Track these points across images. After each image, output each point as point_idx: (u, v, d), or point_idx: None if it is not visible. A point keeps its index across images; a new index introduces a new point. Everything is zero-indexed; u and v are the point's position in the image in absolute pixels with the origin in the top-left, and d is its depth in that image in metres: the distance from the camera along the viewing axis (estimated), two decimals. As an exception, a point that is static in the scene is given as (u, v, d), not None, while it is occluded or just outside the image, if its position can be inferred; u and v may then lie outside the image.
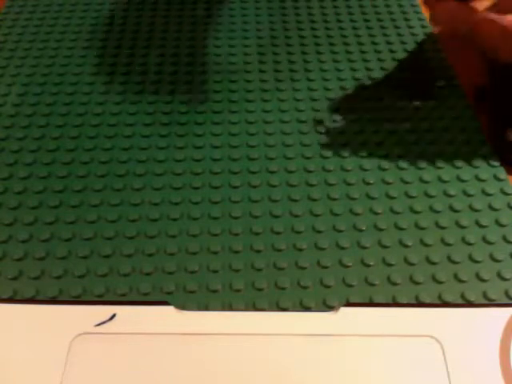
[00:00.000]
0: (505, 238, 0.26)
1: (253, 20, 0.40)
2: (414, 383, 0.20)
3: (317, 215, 0.27)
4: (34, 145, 0.30)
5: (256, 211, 0.27)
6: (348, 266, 0.25)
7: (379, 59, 0.36)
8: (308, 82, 0.34)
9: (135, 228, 0.26)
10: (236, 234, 0.26)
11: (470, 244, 0.25)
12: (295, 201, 0.27)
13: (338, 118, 0.32)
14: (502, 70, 0.32)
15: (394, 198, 0.27)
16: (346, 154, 0.30)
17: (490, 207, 0.27)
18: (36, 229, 0.26)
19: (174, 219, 0.26)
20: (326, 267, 0.25)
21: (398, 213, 0.27)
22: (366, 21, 0.40)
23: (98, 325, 0.21)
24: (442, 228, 0.26)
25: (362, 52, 0.37)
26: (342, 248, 0.25)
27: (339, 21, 0.40)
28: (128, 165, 0.29)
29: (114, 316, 0.21)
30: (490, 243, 0.25)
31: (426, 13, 0.40)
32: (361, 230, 0.26)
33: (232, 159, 0.30)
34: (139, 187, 0.28)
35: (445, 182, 0.28)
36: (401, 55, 0.36)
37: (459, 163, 0.29)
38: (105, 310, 0.21)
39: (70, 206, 0.27)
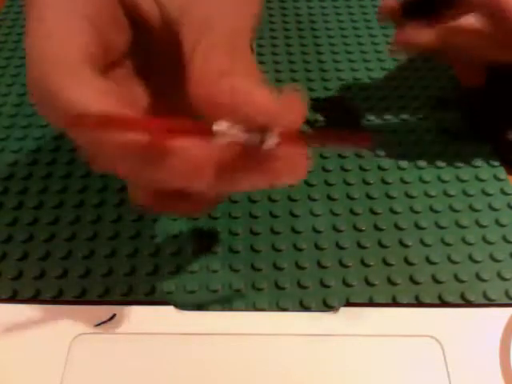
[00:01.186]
0: (505, 238, 0.26)
1: (253, 20, 0.40)
2: (413, 383, 0.20)
3: (317, 215, 0.27)
4: (34, 145, 0.30)
5: (256, 211, 0.27)
6: (348, 266, 0.25)
7: (379, 59, 0.36)
8: (308, 81, 0.34)
9: (135, 228, 0.26)
10: (236, 234, 0.26)
11: (470, 244, 0.25)
12: (295, 201, 0.27)
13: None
14: (501, 69, 0.32)
15: (394, 197, 0.27)
16: (346, 153, 0.30)
17: (490, 207, 0.27)
18: (36, 229, 0.26)
19: (174, 219, 0.26)
20: (325, 267, 0.25)
21: (397, 213, 0.27)
22: (367, 21, 0.40)
23: (98, 325, 0.21)
24: (442, 228, 0.26)
25: (362, 52, 0.37)
26: (342, 248, 0.25)
27: (339, 21, 0.40)
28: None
29: (114, 316, 0.21)
30: (489, 243, 0.25)
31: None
32: (361, 230, 0.26)
33: (232, 159, 0.30)
34: (139, 187, 0.28)
35: (445, 181, 0.28)
36: (401, 55, 0.36)
37: (459, 163, 0.29)
38: (105, 310, 0.21)
39: (69, 206, 0.27)
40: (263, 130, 0.14)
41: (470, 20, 0.25)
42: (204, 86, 0.14)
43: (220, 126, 0.14)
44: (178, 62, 0.16)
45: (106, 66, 0.16)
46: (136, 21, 0.17)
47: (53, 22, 0.15)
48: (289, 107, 0.14)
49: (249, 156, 0.15)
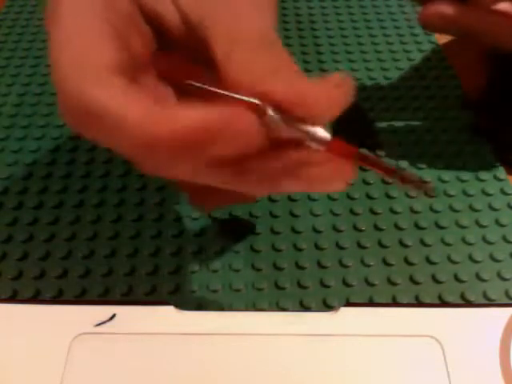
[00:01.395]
0: (505, 238, 0.26)
1: (253, 20, 0.40)
2: (413, 383, 0.20)
3: (317, 215, 0.27)
4: (34, 144, 0.30)
5: (256, 211, 0.27)
6: (348, 266, 0.25)
7: (379, 59, 0.36)
8: (308, 82, 0.34)
9: (135, 228, 0.26)
10: (236, 234, 0.26)
11: (470, 244, 0.25)
12: (295, 201, 0.27)
13: None
14: (502, 68, 0.32)
15: (394, 198, 0.27)
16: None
17: (490, 207, 0.27)
18: (36, 229, 0.26)
19: (175, 219, 0.26)
20: (325, 267, 0.25)
21: (397, 213, 0.27)
22: (367, 21, 0.40)
23: (98, 325, 0.21)
24: (442, 228, 0.26)
25: (362, 52, 0.37)
26: (342, 248, 0.25)
27: (339, 21, 0.40)
28: (128, 165, 0.29)
29: (114, 316, 0.21)
30: (489, 243, 0.25)
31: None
32: (361, 230, 0.26)
33: (232, 159, 0.30)
34: (139, 187, 0.28)
35: (445, 181, 0.28)
36: (401, 55, 0.36)
37: (459, 163, 0.29)
38: (105, 310, 0.21)
39: (69, 206, 0.27)
40: (314, 123, 0.15)
41: (505, 5, 0.25)
42: (258, 85, 0.14)
43: (272, 113, 0.14)
44: (200, 58, 0.16)
45: (132, 71, 0.16)
46: (158, 29, 0.17)
47: (73, 27, 0.15)
48: (336, 96, 0.14)
49: (290, 153, 0.15)
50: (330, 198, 0.27)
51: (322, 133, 0.15)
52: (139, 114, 0.14)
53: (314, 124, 0.15)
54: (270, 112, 0.14)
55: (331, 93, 0.15)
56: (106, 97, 0.14)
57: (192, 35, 0.17)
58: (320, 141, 0.15)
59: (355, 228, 0.26)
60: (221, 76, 0.15)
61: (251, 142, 0.14)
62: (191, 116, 0.14)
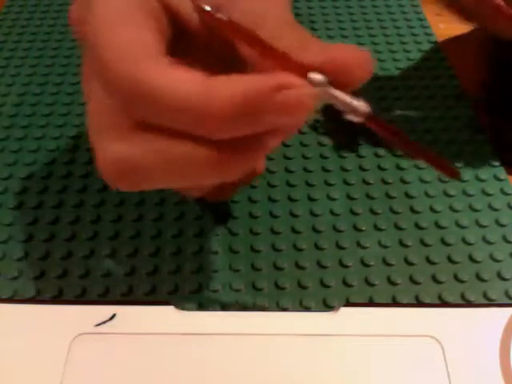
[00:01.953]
0: (505, 238, 0.26)
1: (253, 20, 0.40)
2: (413, 383, 0.20)
3: (317, 215, 0.27)
4: (34, 145, 0.30)
5: (256, 211, 0.27)
6: (348, 266, 0.25)
7: (379, 59, 0.36)
8: (308, 82, 0.34)
9: (135, 228, 0.26)
10: (236, 234, 0.26)
11: (469, 244, 0.25)
12: (295, 201, 0.27)
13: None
14: (502, 68, 0.32)
15: (394, 197, 0.27)
16: (345, 154, 0.30)
17: (490, 207, 0.27)
18: (36, 229, 0.26)
19: (175, 219, 0.26)
20: (325, 267, 0.25)
21: (398, 213, 0.27)
22: (367, 21, 0.40)
23: (98, 325, 0.21)
24: (442, 228, 0.26)
25: (362, 52, 0.37)
26: (342, 248, 0.25)
27: (339, 21, 0.40)
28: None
29: (114, 316, 0.21)
30: (489, 243, 0.25)
31: (426, 13, 0.40)
32: (361, 230, 0.26)
33: (232, 159, 0.30)
34: (139, 187, 0.28)
35: (445, 182, 0.28)
36: (401, 55, 0.36)
37: (459, 163, 0.29)
38: (105, 310, 0.21)
39: (69, 206, 0.27)
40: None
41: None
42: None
43: (316, 77, 0.14)
44: (223, 57, 0.16)
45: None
46: (177, 26, 0.17)
47: (112, 17, 0.15)
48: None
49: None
50: (329, 198, 0.27)
51: (362, 105, 0.15)
52: (192, 86, 0.14)
53: (350, 89, 0.15)
54: (318, 80, 0.14)
55: (358, 53, 0.15)
56: (158, 75, 0.14)
57: (210, 29, 0.17)
58: (361, 113, 0.15)
59: (355, 228, 0.26)
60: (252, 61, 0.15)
61: (309, 109, 0.14)
62: (253, 81, 0.13)
